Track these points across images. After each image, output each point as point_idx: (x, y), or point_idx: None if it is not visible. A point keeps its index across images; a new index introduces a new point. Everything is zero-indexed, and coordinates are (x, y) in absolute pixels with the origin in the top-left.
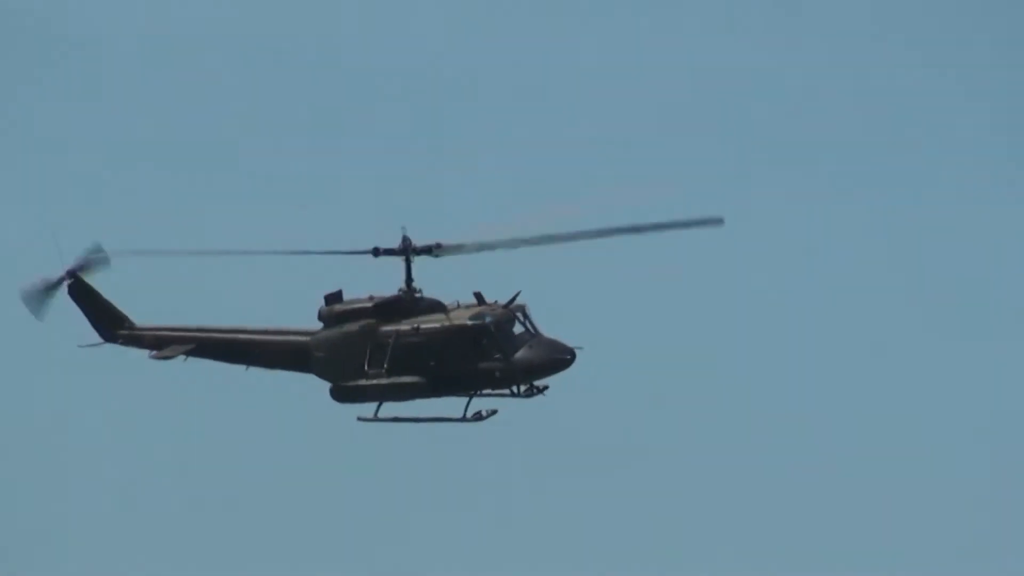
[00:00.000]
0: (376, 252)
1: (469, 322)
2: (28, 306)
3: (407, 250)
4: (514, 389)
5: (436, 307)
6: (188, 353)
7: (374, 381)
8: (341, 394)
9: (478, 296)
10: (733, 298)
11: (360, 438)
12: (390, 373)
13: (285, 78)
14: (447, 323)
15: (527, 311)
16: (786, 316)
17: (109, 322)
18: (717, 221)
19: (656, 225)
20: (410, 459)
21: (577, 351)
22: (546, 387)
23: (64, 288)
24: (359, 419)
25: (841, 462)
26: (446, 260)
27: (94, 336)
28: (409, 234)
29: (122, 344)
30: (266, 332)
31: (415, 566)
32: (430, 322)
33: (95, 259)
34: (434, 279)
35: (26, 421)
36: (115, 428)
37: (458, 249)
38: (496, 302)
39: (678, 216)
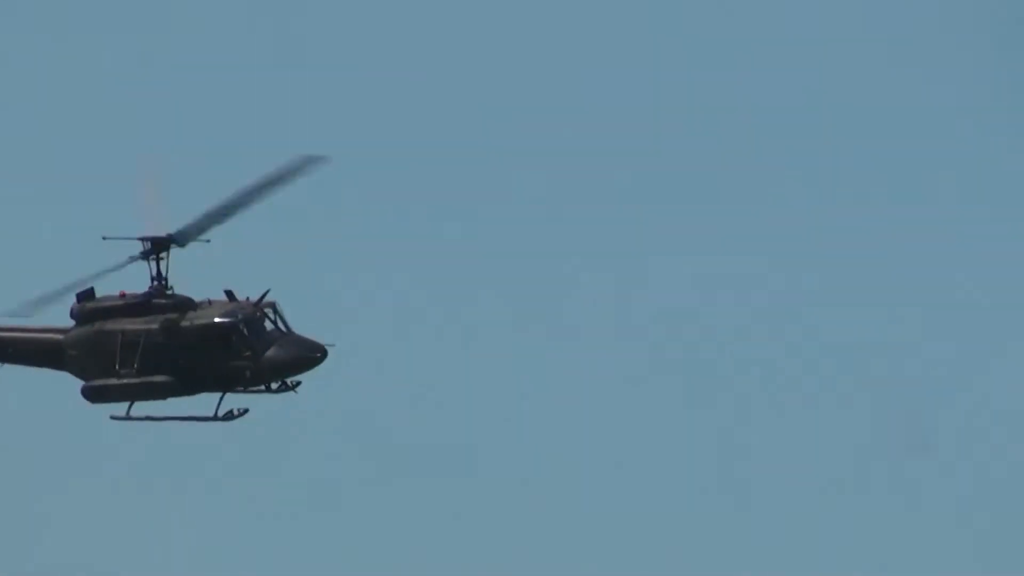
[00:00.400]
0: (146, 256)
1: (218, 320)
2: None
3: (152, 249)
4: (266, 386)
5: (187, 305)
6: None
7: (125, 380)
8: (92, 393)
9: (228, 294)
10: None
11: (112, 437)
12: (140, 372)
13: None
14: (197, 321)
15: (278, 308)
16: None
17: None
18: (319, 159)
19: (267, 181)
20: (162, 458)
21: (329, 348)
22: (298, 384)
23: None
24: (112, 418)
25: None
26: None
27: None
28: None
29: None
30: (20, 329)
31: (166, 566)
32: (180, 320)
33: None
34: (185, 277)
35: None
36: None
37: (187, 235)
38: (247, 299)
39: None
